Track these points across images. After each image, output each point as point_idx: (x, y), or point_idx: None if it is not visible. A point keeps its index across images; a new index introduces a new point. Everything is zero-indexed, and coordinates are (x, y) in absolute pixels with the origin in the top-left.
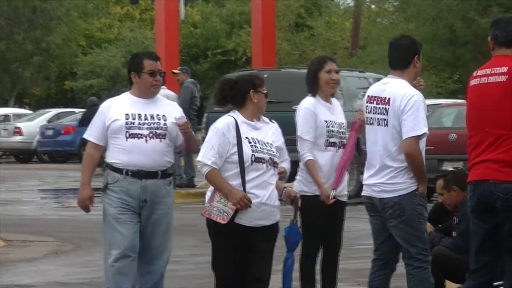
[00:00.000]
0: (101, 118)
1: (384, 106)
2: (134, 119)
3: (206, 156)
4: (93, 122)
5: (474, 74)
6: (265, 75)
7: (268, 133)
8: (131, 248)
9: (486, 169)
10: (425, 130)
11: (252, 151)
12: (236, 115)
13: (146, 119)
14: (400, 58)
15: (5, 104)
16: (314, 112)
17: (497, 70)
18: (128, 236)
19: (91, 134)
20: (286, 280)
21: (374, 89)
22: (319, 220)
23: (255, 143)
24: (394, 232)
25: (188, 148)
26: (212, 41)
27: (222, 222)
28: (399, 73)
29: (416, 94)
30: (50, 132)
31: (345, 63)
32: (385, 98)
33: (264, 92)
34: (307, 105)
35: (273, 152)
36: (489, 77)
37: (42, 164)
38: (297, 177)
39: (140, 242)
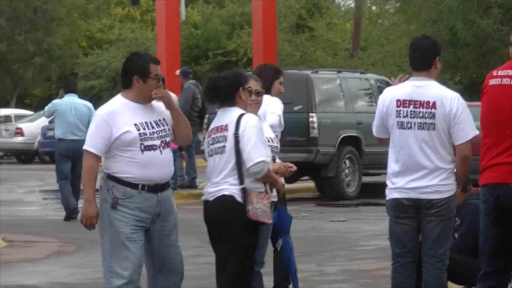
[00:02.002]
0: (105, 129)
1: (429, 110)
2: (144, 129)
3: (267, 154)
4: (94, 132)
5: (494, 73)
6: None
7: None
8: (138, 271)
9: (505, 172)
10: (477, 130)
11: None
12: None
13: (153, 127)
14: (422, 60)
15: (6, 105)
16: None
17: None
18: (138, 256)
19: (93, 145)
20: (292, 263)
21: (405, 93)
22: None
23: None
24: (429, 229)
25: (181, 135)
26: (213, 42)
27: (269, 222)
28: (425, 74)
29: (459, 96)
30: (51, 133)
31: (346, 64)
32: (428, 101)
33: (250, 89)
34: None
35: None
36: (511, 79)
37: (43, 164)
38: None
39: (153, 257)
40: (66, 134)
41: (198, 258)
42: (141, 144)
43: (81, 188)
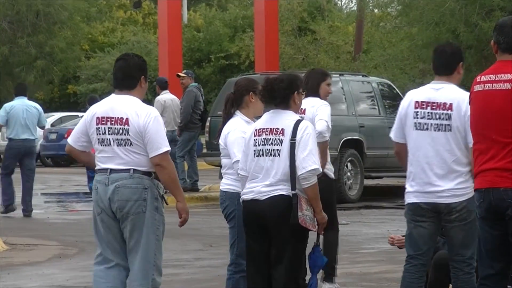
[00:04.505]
0: (164, 127)
1: (445, 112)
2: None
3: (319, 163)
4: (164, 133)
5: (478, 79)
6: None
7: None
8: None
9: (495, 176)
10: None
11: None
12: None
13: None
14: (444, 65)
15: None
16: None
17: (501, 77)
18: None
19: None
20: None
21: (424, 95)
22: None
23: None
24: (454, 234)
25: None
26: (215, 45)
27: (313, 229)
28: (445, 78)
29: None
30: (53, 136)
31: (348, 67)
32: (445, 103)
33: (304, 93)
34: None
35: None
36: (494, 84)
37: (45, 168)
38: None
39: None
40: (18, 134)
41: (200, 261)
42: None
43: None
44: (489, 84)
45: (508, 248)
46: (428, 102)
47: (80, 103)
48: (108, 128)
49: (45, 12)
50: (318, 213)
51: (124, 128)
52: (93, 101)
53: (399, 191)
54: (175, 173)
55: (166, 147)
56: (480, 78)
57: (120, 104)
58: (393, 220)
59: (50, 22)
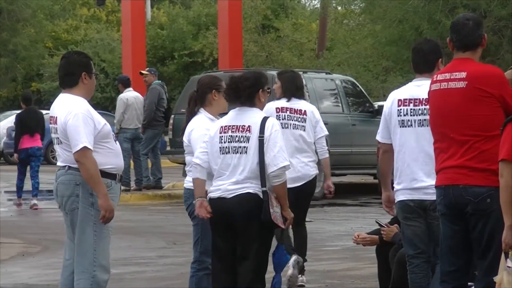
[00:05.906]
0: (91, 124)
1: (426, 107)
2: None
3: (288, 160)
4: (85, 129)
5: (434, 78)
6: None
7: None
8: None
9: (455, 174)
10: None
11: None
12: None
13: None
14: (424, 63)
15: None
16: None
17: (456, 75)
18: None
19: (90, 141)
20: None
21: (406, 93)
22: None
23: None
24: (436, 229)
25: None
26: (179, 43)
27: (283, 226)
28: (427, 75)
29: None
30: None
31: (311, 64)
32: (427, 98)
33: (269, 90)
34: None
35: None
36: (449, 83)
37: (9, 165)
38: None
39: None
40: None
41: (164, 259)
42: (113, 134)
43: None
44: (445, 83)
45: (468, 245)
46: (410, 99)
47: (43, 101)
48: (52, 127)
49: (8, 9)
50: (286, 209)
51: (55, 127)
52: (25, 97)
53: (363, 189)
54: (94, 169)
55: (82, 143)
56: (437, 77)
57: (57, 103)
58: (357, 217)
59: (14, 19)
